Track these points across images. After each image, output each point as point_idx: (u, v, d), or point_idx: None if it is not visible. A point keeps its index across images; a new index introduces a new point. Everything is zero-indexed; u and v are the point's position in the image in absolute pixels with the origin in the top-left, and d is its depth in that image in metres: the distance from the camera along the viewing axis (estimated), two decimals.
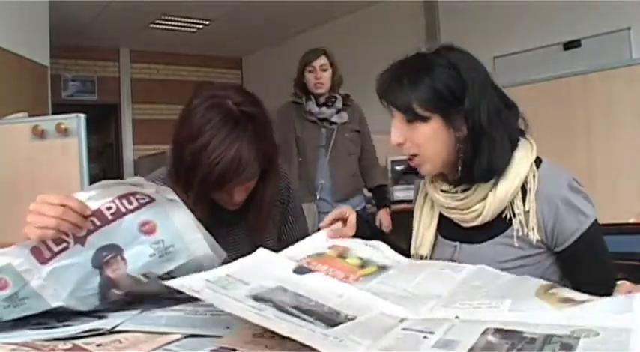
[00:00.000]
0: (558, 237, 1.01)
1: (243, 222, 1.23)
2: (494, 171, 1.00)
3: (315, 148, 2.74)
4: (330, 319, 0.70)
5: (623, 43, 3.73)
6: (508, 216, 1.02)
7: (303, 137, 2.75)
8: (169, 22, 5.85)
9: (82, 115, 2.50)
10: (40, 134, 2.45)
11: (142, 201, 0.89)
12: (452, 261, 1.08)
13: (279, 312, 0.70)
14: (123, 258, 0.89)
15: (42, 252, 0.84)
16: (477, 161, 0.99)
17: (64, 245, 0.85)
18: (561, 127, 2.53)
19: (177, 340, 0.74)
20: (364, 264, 0.97)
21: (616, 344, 0.56)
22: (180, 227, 0.92)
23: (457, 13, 4.64)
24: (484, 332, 0.64)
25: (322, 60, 2.70)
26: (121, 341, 0.74)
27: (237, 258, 1.22)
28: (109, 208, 0.87)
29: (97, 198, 0.87)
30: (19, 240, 0.84)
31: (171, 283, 0.75)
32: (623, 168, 2.46)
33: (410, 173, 1.13)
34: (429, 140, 1.00)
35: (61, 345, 0.71)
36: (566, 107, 2.60)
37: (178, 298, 1.00)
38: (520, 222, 1.00)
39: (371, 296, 0.81)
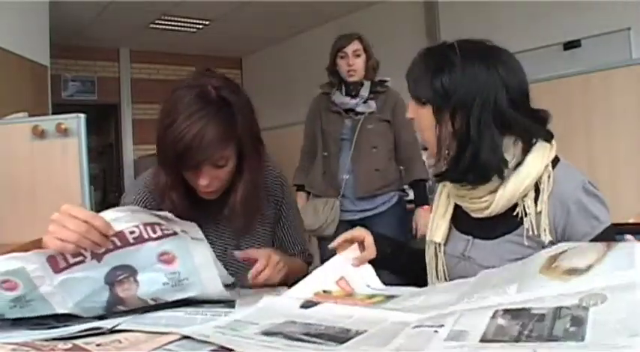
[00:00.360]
0: (569, 241, 0.98)
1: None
2: (480, 172, 1.00)
3: (338, 141, 2.57)
4: (341, 337, 0.70)
5: (623, 43, 3.72)
6: (520, 215, 1.02)
7: (328, 130, 2.61)
8: (169, 22, 5.84)
9: (82, 115, 2.49)
10: (39, 134, 2.44)
11: (166, 232, 0.90)
12: (463, 255, 1.09)
13: (289, 341, 0.70)
14: (135, 280, 0.90)
15: (57, 262, 0.84)
16: (462, 159, 1.01)
17: (81, 258, 0.85)
18: (561, 127, 2.51)
19: (177, 340, 0.74)
20: (372, 296, 0.99)
21: (625, 306, 0.55)
22: (198, 263, 0.93)
23: (457, 13, 4.64)
24: (493, 316, 0.63)
25: (355, 45, 2.52)
26: (120, 341, 0.74)
27: (223, 252, 1.22)
28: (132, 232, 0.88)
29: (123, 220, 0.87)
30: (19, 239, 0.84)
31: (182, 331, 0.75)
32: (623, 168, 2.46)
33: None
34: (424, 125, 1.06)
35: (61, 345, 0.71)
36: (566, 107, 2.60)
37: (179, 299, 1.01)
38: (531, 222, 1.00)
39: (380, 312, 0.82)
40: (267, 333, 0.74)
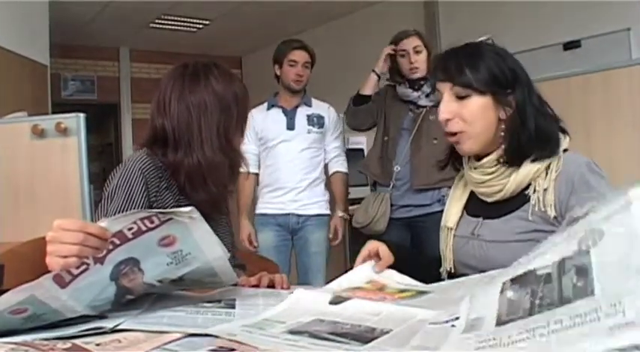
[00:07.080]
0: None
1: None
2: (539, 147, 1.09)
3: (400, 129, 2.54)
4: (365, 337, 0.71)
5: (623, 43, 3.72)
6: (528, 193, 1.10)
7: (390, 116, 2.59)
8: (169, 22, 5.84)
9: (82, 115, 2.48)
10: (39, 133, 2.44)
11: (163, 219, 0.90)
12: (473, 234, 1.17)
13: (315, 339, 0.70)
14: (140, 269, 0.91)
15: (62, 278, 0.83)
16: (524, 137, 1.08)
17: (84, 267, 0.85)
18: None
19: (177, 339, 0.74)
20: (403, 290, 0.99)
21: (623, 239, 0.51)
22: (198, 237, 0.93)
23: (457, 13, 4.63)
24: (502, 290, 0.62)
25: (414, 41, 2.50)
26: (120, 341, 0.74)
27: None
28: (130, 229, 0.87)
29: (120, 222, 0.87)
30: (19, 238, 0.84)
31: (210, 330, 0.76)
32: (623, 169, 2.46)
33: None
34: (477, 117, 1.10)
35: (60, 345, 0.71)
36: (566, 107, 2.59)
37: (183, 296, 1.01)
38: (538, 199, 1.08)
39: (408, 309, 0.82)
40: (293, 332, 0.75)
